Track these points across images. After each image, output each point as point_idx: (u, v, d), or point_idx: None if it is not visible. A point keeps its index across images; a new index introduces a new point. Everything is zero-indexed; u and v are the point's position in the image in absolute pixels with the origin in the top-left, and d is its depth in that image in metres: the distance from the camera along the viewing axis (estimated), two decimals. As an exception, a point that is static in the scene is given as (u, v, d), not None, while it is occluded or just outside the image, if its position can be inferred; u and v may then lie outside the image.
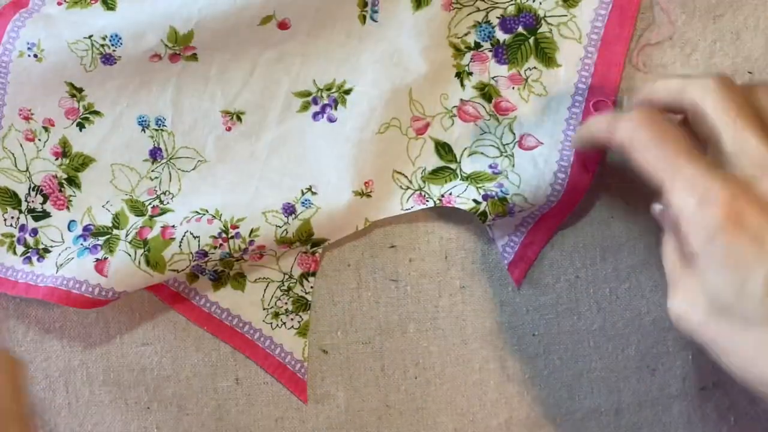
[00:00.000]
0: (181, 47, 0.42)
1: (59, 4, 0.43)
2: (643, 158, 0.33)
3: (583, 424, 0.44)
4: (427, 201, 0.43)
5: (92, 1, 0.43)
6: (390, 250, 0.44)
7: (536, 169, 0.41)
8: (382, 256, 0.44)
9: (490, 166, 0.42)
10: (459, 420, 0.45)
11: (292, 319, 0.45)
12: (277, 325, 0.45)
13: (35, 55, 0.42)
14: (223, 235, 0.42)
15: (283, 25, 0.42)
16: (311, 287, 0.45)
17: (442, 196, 0.43)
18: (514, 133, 0.42)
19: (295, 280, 0.45)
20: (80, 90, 0.44)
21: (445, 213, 0.44)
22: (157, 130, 0.44)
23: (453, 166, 0.43)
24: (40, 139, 0.44)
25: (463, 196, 0.42)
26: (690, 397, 0.44)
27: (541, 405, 0.44)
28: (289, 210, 0.43)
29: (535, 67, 0.42)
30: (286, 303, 0.45)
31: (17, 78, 0.43)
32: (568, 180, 0.41)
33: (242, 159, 0.44)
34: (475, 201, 0.42)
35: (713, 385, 0.43)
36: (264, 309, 0.45)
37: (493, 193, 0.41)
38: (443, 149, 0.43)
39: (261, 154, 0.44)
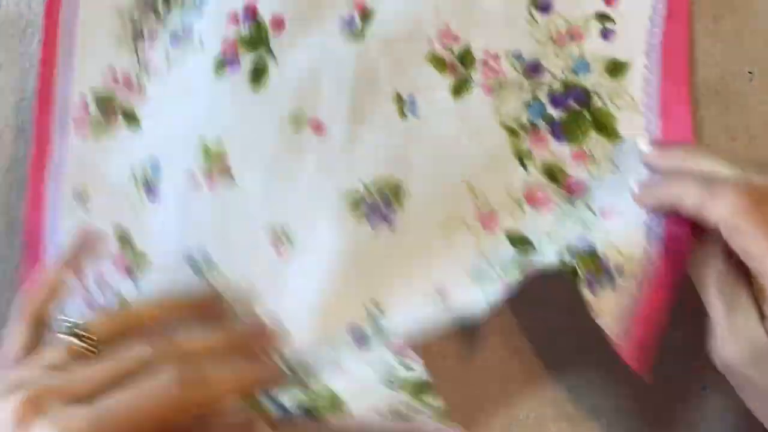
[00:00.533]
0: (216, 165, 0.41)
1: (84, 137, 0.43)
2: (745, 244, 0.32)
3: (583, 424, 0.44)
4: (511, 286, 0.39)
5: (113, 120, 0.43)
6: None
7: (626, 223, 0.38)
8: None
9: (574, 239, 0.39)
10: (459, 420, 0.45)
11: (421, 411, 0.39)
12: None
13: (84, 204, 0.43)
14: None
15: (317, 129, 0.41)
16: (421, 366, 0.39)
17: (525, 269, 0.38)
18: (592, 210, 0.39)
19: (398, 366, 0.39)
20: (128, 237, 0.43)
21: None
22: (206, 267, 0.42)
23: (531, 251, 0.40)
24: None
25: (546, 259, 0.38)
26: (690, 397, 0.44)
27: (542, 405, 0.44)
28: (360, 334, 0.40)
29: (597, 141, 0.40)
30: (402, 400, 0.38)
31: (69, 233, 0.43)
32: (666, 233, 0.37)
33: (299, 279, 0.41)
34: (563, 261, 0.38)
35: (713, 386, 0.43)
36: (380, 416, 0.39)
37: (582, 248, 0.37)
38: (518, 240, 0.40)
39: (318, 272, 0.40)
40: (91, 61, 0.42)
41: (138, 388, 0.34)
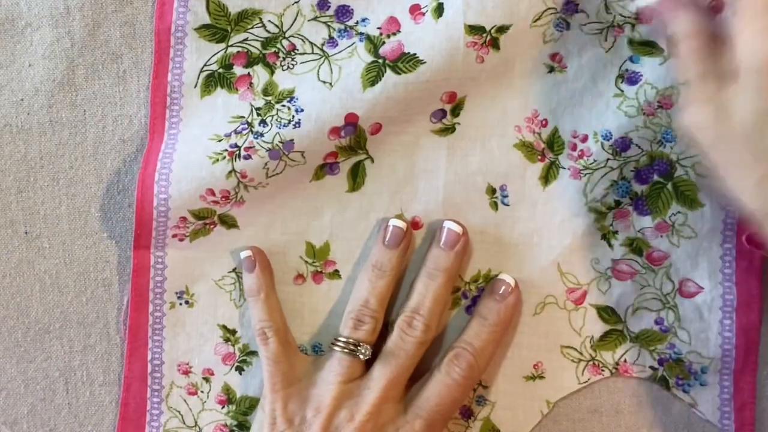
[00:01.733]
0: (321, 263, 0.43)
1: (181, 240, 0.43)
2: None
3: (583, 425, 0.44)
4: (603, 371, 0.43)
5: (211, 226, 0.43)
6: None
7: (702, 320, 0.42)
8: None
9: (656, 322, 0.42)
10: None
11: None
12: None
13: (186, 302, 0.44)
14: None
15: (415, 225, 0.43)
16: None
17: (617, 363, 0.43)
18: (672, 281, 0.42)
19: None
20: (233, 332, 0.44)
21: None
22: (316, 358, 0.44)
23: (619, 327, 0.43)
24: (202, 391, 0.44)
25: (638, 363, 0.42)
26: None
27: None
28: (467, 413, 0.43)
29: (679, 212, 0.42)
30: None
31: (172, 330, 0.44)
32: (737, 324, 0.41)
33: None
34: (651, 368, 0.42)
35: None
36: None
37: (668, 356, 0.42)
38: (606, 313, 0.43)
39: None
40: (186, 184, 0.42)
41: (446, 382, 0.40)
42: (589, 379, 0.43)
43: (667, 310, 0.42)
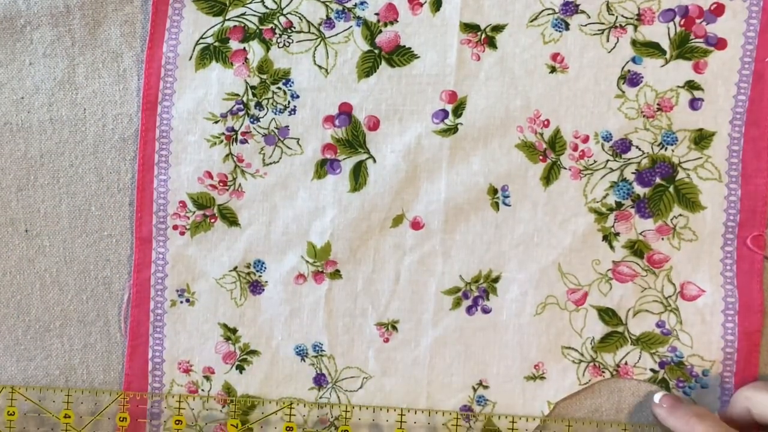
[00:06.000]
0: (322, 263, 0.43)
1: (182, 234, 0.44)
2: None
3: (582, 424, 0.44)
4: (603, 372, 0.43)
5: (212, 220, 0.44)
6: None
7: (704, 324, 0.42)
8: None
9: (658, 325, 0.42)
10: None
11: None
12: None
13: (187, 300, 0.44)
14: None
15: (416, 225, 0.43)
16: None
17: (618, 366, 0.43)
18: (673, 284, 0.42)
19: None
20: (234, 331, 0.44)
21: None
22: (316, 356, 0.44)
23: (620, 329, 0.43)
24: (203, 389, 0.45)
25: (639, 365, 0.43)
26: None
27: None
28: (468, 410, 0.44)
29: (680, 215, 0.42)
30: None
31: (173, 328, 0.44)
32: (738, 327, 0.41)
33: (406, 367, 0.44)
34: (652, 370, 0.42)
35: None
36: None
37: (669, 359, 0.42)
38: (607, 314, 0.43)
39: (424, 359, 0.44)
40: (185, 167, 0.43)
41: None
42: (589, 381, 0.43)
43: (668, 312, 0.42)
